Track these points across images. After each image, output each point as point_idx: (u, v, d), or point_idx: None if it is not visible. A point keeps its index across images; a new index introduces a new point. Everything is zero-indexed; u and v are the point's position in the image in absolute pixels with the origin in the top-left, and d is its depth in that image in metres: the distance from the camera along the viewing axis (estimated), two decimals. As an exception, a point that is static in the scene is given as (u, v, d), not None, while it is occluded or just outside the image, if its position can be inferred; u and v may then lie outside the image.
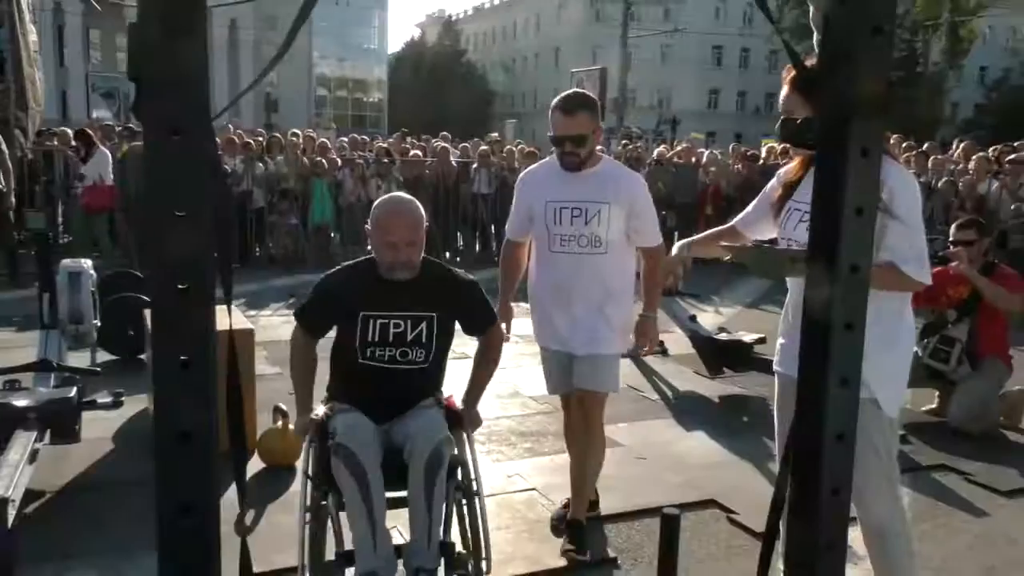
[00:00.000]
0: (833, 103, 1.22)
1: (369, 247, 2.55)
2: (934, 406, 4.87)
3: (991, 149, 10.44)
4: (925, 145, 11.31)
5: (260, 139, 10.54)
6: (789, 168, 2.41)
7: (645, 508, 3.32)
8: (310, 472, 2.45)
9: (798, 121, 2.02)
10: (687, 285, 6.26)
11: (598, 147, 3.00)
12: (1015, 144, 10.50)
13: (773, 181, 2.49)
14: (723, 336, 5.31)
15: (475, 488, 2.44)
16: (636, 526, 3.24)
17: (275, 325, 6.75)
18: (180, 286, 0.98)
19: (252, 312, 7.10)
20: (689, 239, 2.64)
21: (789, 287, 2.33)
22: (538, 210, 2.95)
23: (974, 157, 9.45)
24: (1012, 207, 8.51)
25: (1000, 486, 3.77)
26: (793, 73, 2.09)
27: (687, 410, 4.81)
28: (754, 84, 48.72)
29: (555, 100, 2.87)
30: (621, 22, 31.84)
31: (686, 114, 39.27)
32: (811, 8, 1.43)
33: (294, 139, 11.57)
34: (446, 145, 11.89)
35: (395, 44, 60.14)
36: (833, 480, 1.25)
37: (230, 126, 12.50)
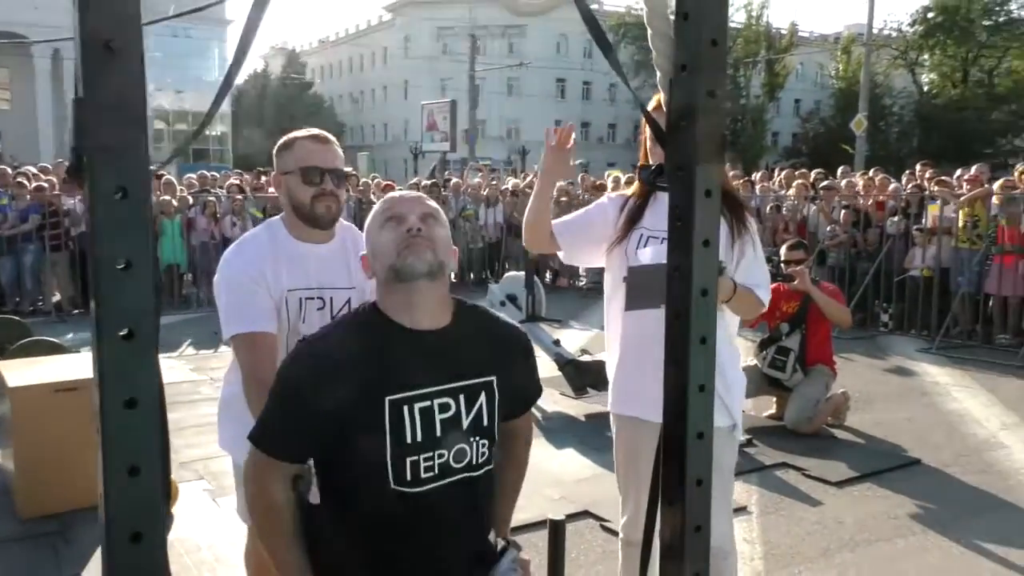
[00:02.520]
0: (680, 153, 1.46)
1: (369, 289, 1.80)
2: (773, 411, 5.38)
3: (798, 172, 11.56)
4: (758, 175, 12.29)
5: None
6: (630, 194, 2.44)
7: (527, 523, 3.50)
8: None
9: (652, 167, 2.30)
10: (551, 311, 6.60)
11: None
12: (823, 171, 11.69)
13: (606, 208, 2.45)
14: (585, 357, 5.64)
15: None
16: (519, 540, 3.40)
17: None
18: (122, 333, 1.08)
19: (103, 359, 6.76)
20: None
21: (624, 330, 2.40)
22: (277, 302, 2.00)
23: (794, 184, 10.43)
24: (828, 228, 9.46)
25: (831, 477, 4.25)
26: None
27: (557, 429, 5.07)
28: (597, 115, 50.98)
29: (288, 136, 2.09)
30: (468, 56, 32.64)
31: (535, 144, 40.55)
32: (658, 73, 1.68)
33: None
34: (301, 180, 11.78)
35: (238, 76, 58.37)
36: (697, 472, 1.48)
37: (24, 168, 11.70)
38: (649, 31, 1.66)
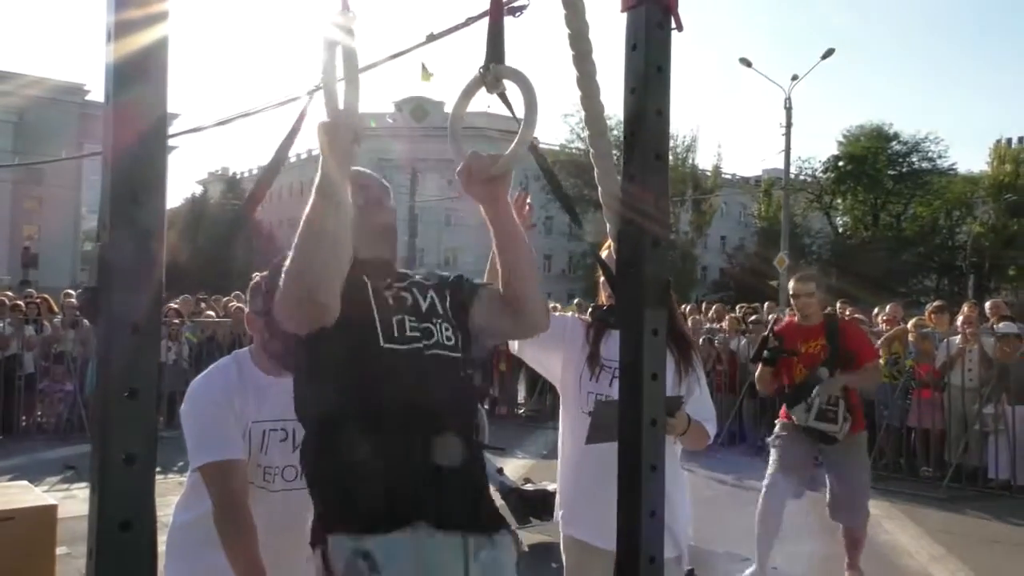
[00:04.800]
0: (629, 298, 1.62)
1: None
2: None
3: (724, 306, 12.07)
4: (688, 307, 12.79)
5: (35, 300, 9.86)
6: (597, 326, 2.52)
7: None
8: None
9: (604, 308, 2.49)
10: (492, 439, 6.61)
11: None
12: (755, 305, 12.24)
13: (569, 324, 2.56)
14: (529, 486, 5.63)
15: None
16: None
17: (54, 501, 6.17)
18: (123, 458, 1.15)
19: (22, 489, 6.43)
20: None
21: (583, 457, 2.39)
22: (241, 433, 2.04)
23: (726, 317, 10.88)
24: (758, 360, 9.83)
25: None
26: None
27: (498, 561, 4.99)
28: (533, 246, 52.10)
29: (263, 276, 2.05)
30: (407, 187, 33.54)
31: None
32: (608, 225, 1.87)
33: (70, 300, 10.92)
34: (240, 305, 11.74)
35: (175, 199, 58.34)
36: (648, 597, 1.56)
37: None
38: (600, 188, 1.87)
